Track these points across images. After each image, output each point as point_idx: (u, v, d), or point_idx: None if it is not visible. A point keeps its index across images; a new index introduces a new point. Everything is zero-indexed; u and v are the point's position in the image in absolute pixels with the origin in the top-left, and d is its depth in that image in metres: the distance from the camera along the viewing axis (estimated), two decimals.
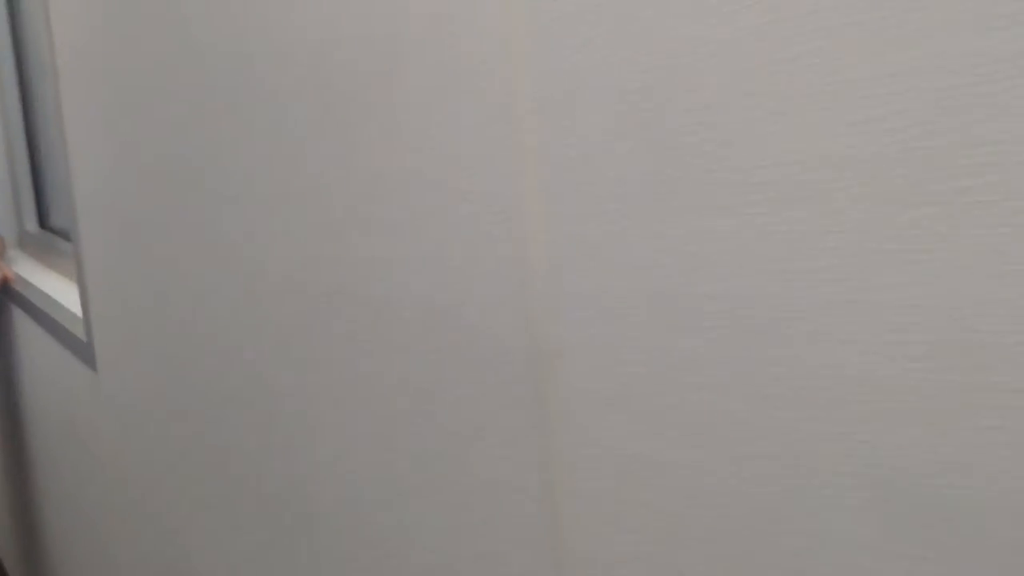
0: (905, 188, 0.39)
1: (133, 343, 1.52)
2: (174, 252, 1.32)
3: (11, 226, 2.66)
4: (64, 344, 1.81)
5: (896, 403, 0.41)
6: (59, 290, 2.07)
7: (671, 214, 0.49)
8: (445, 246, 0.67)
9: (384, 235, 0.75)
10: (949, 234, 0.38)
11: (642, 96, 0.50)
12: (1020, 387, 0.37)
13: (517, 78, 0.58)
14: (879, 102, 0.40)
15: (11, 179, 2.65)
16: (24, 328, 2.21)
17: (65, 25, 1.56)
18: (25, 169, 2.63)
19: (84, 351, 1.67)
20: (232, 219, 1.09)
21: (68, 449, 1.92)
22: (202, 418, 1.30)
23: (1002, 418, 0.37)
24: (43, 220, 2.67)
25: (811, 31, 0.42)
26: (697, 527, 0.51)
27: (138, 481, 1.58)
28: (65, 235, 2.54)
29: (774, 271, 0.45)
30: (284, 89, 0.89)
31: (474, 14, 0.61)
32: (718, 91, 0.46)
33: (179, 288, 1.32)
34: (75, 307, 1.84)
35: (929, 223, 0.39)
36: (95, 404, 1.67)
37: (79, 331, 1.70)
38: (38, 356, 2.09)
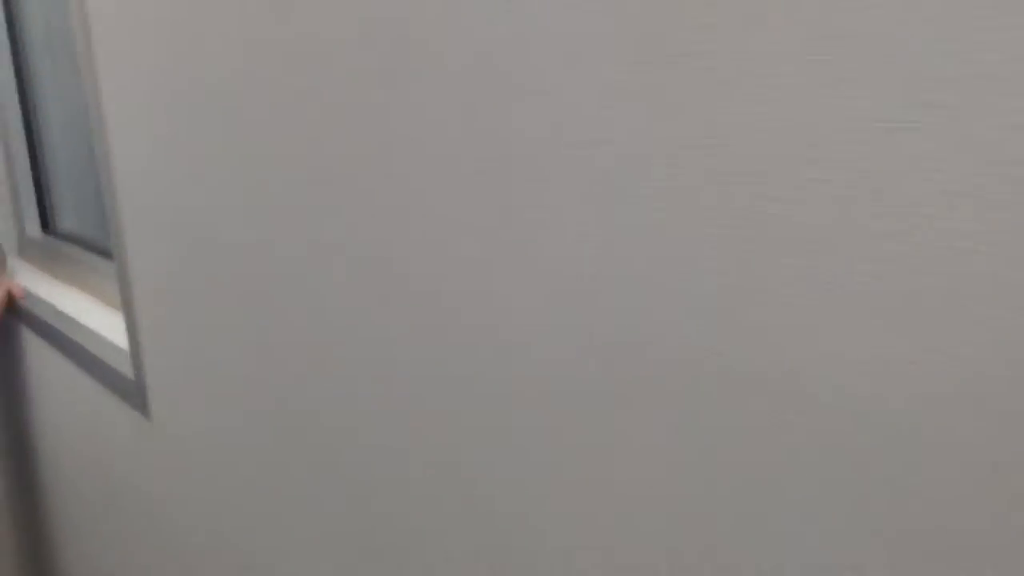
0: None
1: (201, 384, 1.20)
2: (265, 267, 1.00)
3: (8, 230, 2.31)
4: (100, 380, 1.48)
5: None
6: (85, 310, 1.73)
7: None
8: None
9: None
10: None
11: None
12: None
13: None
14: None
15: (8, 176, 2.30)
16: (39, 357, 1.87)
17: None
18: (24, 165, 2.28)
19: (131, 391, 1.35)
20: (372, 218, 0.78)
21: (103, 508, 1.59)
22: (308, 483, 0.99)
23: None
24: (46, 223, 2.32)
25: None
26: None
27: (206, 555, 1.26)
28: (73, 239, 2.20)
29: None
30: None
31: None
32: None
33: (274, 314, 1.00)
34: (114, 334, 1.51)
35: None
36: (145, 456, 1.35)
37: (123, 366, 1.37)
38: (61, 393, 1.75)
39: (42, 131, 2.28)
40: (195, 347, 1.20)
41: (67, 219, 2.33)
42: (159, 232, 1.22)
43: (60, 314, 1.76)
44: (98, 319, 1.66)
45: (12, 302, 1.92)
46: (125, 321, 1.33)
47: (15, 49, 2.25)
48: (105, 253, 2.03)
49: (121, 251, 1.30)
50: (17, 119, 2.26)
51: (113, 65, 1.24)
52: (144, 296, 1.29)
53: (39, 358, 1.86)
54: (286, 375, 1.02)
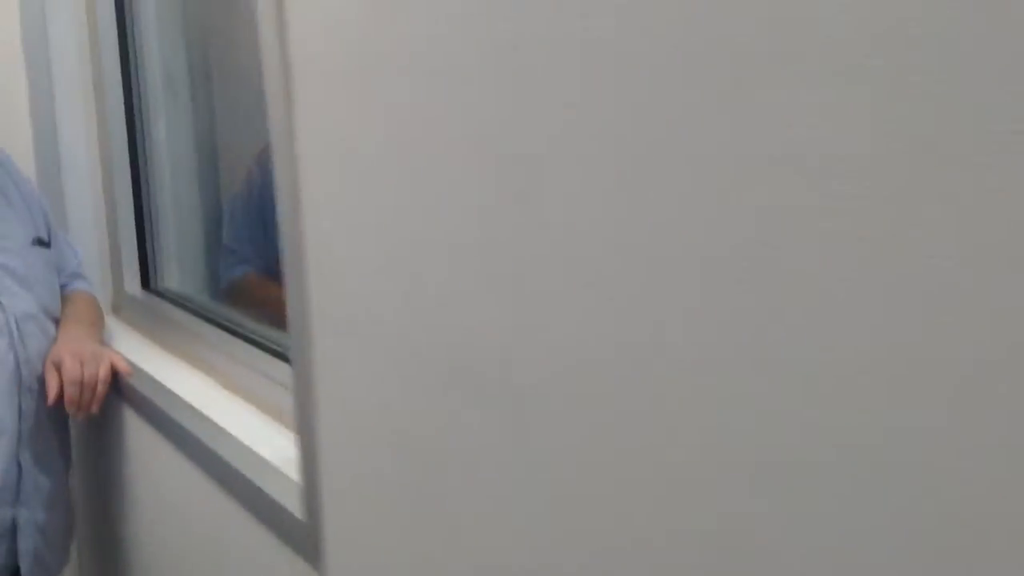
0: None
1: (414, 542, 0.89)
2: (528, 392, 0.70)
3: (104, 284, 2.02)
4: (243, 504, 1.17)
5: None
6: (212, 400, 1.42)
7: None
8: None
9: None
10: None
11: None
12: None
13: None
14: None
15: (108, 224, 2.01)
16: (150, 450, 1.56)
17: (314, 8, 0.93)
18: (127, 212, 1.99)
19: (297, 534, 1.03)
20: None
21: None
22: None
23: None
24: (146, 280, 2.03)
25: None
26: None
27: None
28: (176, 300, 1.90)
29: None
30: None
31: None
32: None
33: (535, 462, 0.69)
34: (259, 443, 1.20)
35: None
36: None
37: (288, 499, 1.06)
38: (181, 504, 1.43)
39: (150, 177, 1.99)
40: (407, 493, 0.88)
41: (171, 277, 2.04)
42: (364, 333, 0.92)
43: (180, 402, 1.46)
44: (232, 416, 1.35)
45: (115, 379, 1.62)
46: (300, 447, 1.02)
47: (127, 89, 1.96)
48: (211, 319, 1.74)
49: (305, 356, 0.99)
50: (123, 162, 1.98)
51: (318, 120, 0.94)
52: (333, 418, 0.97)
53: (149, 451, 1.55)
54: (540, 543, 0.71)
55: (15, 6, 1.95)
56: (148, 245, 2.01)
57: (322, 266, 0.97)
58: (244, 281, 1.95)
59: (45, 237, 1.69)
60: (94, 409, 1.58)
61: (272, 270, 1.97)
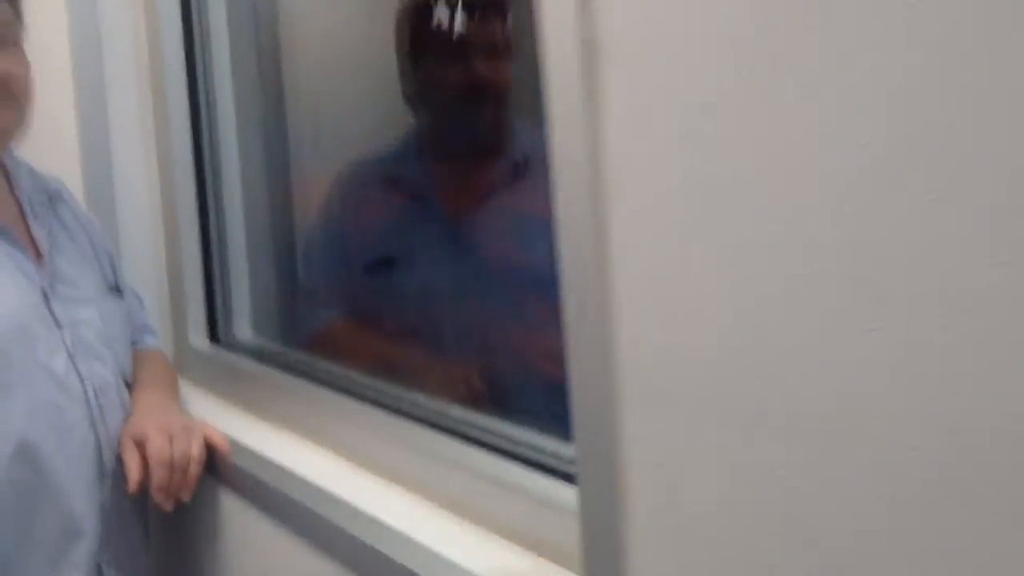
0: None
1: None
2: None
3: (166, 339, 1.69)
4: None
5: None
6: (361, 487, 1.11)
7: None
8: None
9: None
10: None
11: None
12: None
13: None
14: None
15: (171, 271, 1.69)
16: (262, 540, 1.24)
17: None
18: (194, 257, 1.68)
19: None
20: None
21: None
22: None
23: None
24: (214, 332, 1.71)
25: None
26: None
27: None
28: (262, 355, 1.59)
29: None
30: None
31: None
32: None
33: None
34: (485, 565, 0.89)
35: None
36: None
37: None
38: None
39: (222, 211, 1.68)
40: None
41: (242, 326, 1.72)
42: (709, 404, 0.62)
43: (311, 487, 1.14)
44: (391, 505, 1.05)
45: (211, 455, 1.30)
46: None
47: (194, 108, 1.65)
48: (314, 376, 1.43)
49: (604, 447, 0.69)
50: (189, 193, 1.66)
51: (640, 106, 0.65)
52: (652, 534, 0.68)
53: (266, 547, 1.23)
54: None
55: (63, 17, 1.64)
56: (216, 290, 1.70)
57: (638, 304, 0.67)
58: (333, 329, 1.64)
59: (115, 284, 1.38)
60: (185, 497, 1.26)
61: (358, 314, 1.68)
